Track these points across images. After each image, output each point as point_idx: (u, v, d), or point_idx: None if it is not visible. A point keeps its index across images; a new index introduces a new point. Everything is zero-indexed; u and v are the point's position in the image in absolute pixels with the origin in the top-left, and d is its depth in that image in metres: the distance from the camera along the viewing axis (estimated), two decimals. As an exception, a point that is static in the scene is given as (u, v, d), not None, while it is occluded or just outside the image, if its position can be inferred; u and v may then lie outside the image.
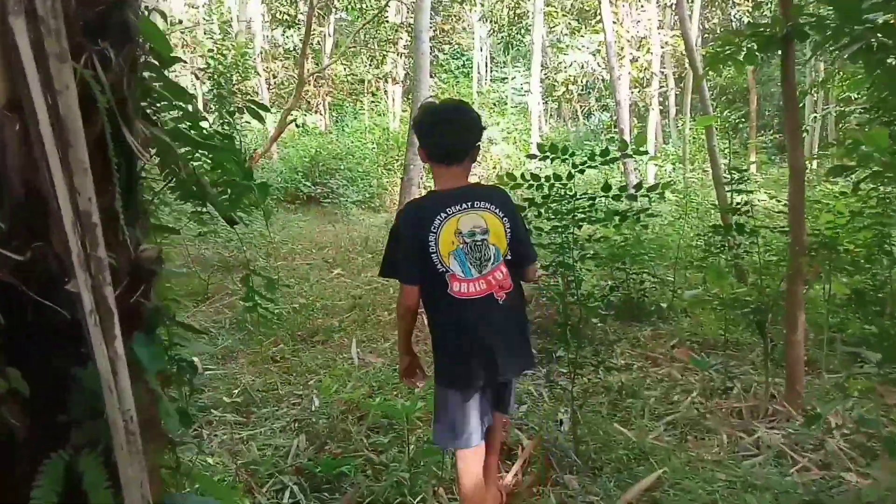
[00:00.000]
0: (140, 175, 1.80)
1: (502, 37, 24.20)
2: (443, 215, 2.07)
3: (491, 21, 23.37)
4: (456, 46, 24.48)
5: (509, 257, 2.15)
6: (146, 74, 1.94)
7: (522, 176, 3.03)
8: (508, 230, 2.14)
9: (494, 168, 15.35)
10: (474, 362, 2.09)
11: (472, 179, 2.30)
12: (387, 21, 17.51)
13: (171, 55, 1.86)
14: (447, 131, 2.13)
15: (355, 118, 20.81)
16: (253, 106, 1.92)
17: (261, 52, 18.42)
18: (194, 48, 14.19)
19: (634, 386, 3.91)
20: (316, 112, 23.22)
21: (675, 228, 7.37)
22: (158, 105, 1.98)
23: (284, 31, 22.19)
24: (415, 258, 2.07)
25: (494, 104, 20.26)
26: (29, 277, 1.53)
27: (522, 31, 22.96)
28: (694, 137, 15.32)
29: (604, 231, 3.72)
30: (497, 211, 2.13)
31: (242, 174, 1.93)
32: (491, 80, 25.40)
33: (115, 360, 1.47)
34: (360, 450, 3.12)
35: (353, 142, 16.33)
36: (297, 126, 18.31)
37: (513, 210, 2.19)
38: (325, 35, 22.29)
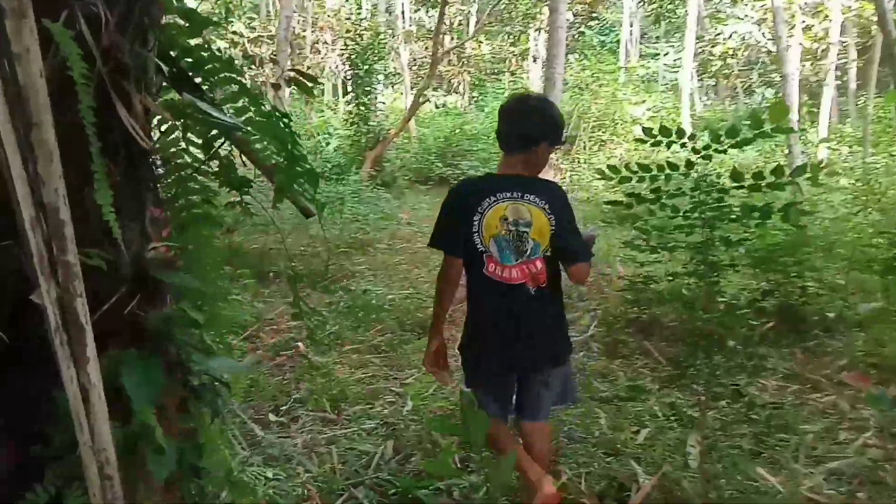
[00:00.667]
0: (153, 161, 1.55)
1: (653, 9, 22.46)
2: (492, 198, 2.14)
3: (641, -9, 21.80)
4: (603, 21, 23.16)
5: (549, 254, 2.18)
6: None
7: (626, 167, 2.51)
8: (553, 227, 2.16)
9: (636, 149, 14.26)
10: (496, 345, 2.18)
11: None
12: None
13: (203, 17, 1.58)
14: (510, 121, 2.23)
15: (496, 98, 20.42)
16: (300, 78, 1.61)
17: (403, 33, 18.57)
18: (338, 31, 14.54)
19: (787, 417, 3.23)
20: (456, 92, 23.15)
21: (850, 223, 6.22)
22: (212, 79, 1.74)
23: (427, 11, 22.28)
24: (459, 232, 2.16)
25: (642, 81, 18.91)
26: (3, 283, 1.32)
27: (676, 1, 21.14)
28: (879, 116, 13.18)
29: (741, 234, 3.07)
30: (545, 206, 2.16)
31: (289, 159, 1.63)
32: (640, 56, 23.78)
33: (88, 387, 1.22)
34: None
35: (490, 122, 15.98)
36: (437, 107, 18.29)
37: (562, 208, 2.21)
38: (468, 14, 22.04)
